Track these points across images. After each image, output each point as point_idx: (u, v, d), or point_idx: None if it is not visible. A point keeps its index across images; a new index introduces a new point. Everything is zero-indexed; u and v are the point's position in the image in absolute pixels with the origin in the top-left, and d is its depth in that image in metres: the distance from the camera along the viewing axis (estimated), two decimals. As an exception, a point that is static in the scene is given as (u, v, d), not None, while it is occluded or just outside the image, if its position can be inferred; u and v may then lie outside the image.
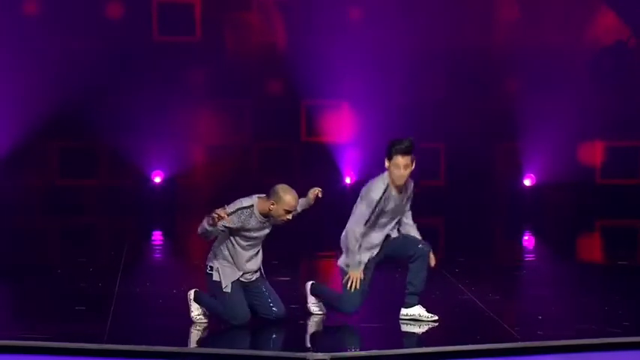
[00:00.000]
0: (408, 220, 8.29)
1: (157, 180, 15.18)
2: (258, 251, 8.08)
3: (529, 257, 12.76)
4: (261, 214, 7.92)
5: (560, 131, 15.14)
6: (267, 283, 8.18)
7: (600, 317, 8.54)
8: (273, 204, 7.87)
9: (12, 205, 14.79)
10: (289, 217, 7.91)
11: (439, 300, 9.12)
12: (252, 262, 8.05)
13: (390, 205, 8.05)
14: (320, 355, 7.16)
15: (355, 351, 7.62)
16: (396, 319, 8.23)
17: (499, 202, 15.42)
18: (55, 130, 14.97)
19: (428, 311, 8.19)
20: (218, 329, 8.07)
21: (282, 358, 7.25)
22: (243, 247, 7.98)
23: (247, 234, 7.93)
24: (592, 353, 7.47)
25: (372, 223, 8.05)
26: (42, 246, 12.89)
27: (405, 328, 8.12)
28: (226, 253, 8.01)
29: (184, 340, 7.84)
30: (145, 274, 10.54)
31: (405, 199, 8.16)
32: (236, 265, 8.01)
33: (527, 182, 15.58)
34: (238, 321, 7.96)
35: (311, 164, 15.07)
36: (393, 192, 8.03)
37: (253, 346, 7.70)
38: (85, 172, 15.23)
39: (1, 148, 14.79)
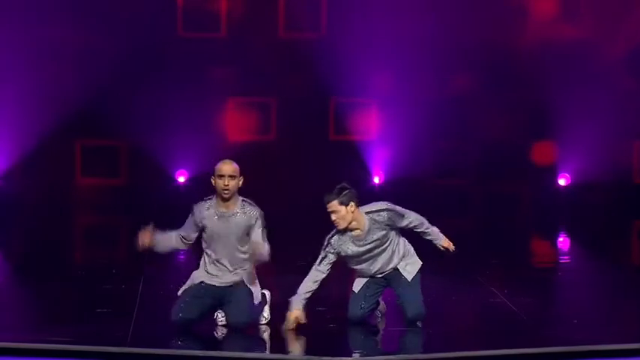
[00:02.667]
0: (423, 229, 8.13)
1: (182, 179, 15.08)
2: (225, 261, 7.92)
3: (564, 259, 12.60)
4: (217, 200, 7.88)
5: (595, 130, 15.00)
6: (245, 292, 7.96)
7: (637, 321, 8.35)
8: (213, 179, 7.90)
9: (33, 205, 14.78)
10: (225, 182, 7.80)
11: (470, 303, 9.01)
12: (216, 266, 7.93)
13: (349, 252, 7.97)
14: (347, 359, 7.11)
15: (384, 355, 7.45)
16: (423, 323, 8.06)
17: (533, 202, 15.27)
18: (78, 129, 14.95)
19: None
20: (242, 333, 7.93)
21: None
22: (208, 247, 7.92)
23: (209, 231, 7.87)
24: (629, 359, 7.27)
25: (356, 269, 8.05)
26: (64, 246, 12.85)
27: (433, 331, 7.95)
28: (203, 257, 8.02)
29: (208, 343, 7.77)
30: (168, 276, 10.44)
31: (372, 246, 8.00)
32: (205, 268, 7.97)
33: (561, 182, 15.45)
34: (175, 316, 7.82)
35: (339, 163, 14.94)
36: (345, 238, 7.93)
37: (277, 350, 7.55)
38: (108, 171, 15.19)
39: (23, 146, 14.81)
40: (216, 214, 7.89)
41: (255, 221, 7.90)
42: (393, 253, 8.05)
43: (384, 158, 15.13)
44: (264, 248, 7.84)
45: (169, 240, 8.06)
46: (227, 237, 7.88)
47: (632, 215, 14.86)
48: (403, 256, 8.09)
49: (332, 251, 7.94)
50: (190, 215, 7.96)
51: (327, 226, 8.24)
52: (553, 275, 11.12)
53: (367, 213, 7.93)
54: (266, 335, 7.92)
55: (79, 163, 15.34)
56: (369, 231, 7.95)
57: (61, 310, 8.77)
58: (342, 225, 7.89)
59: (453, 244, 8.11)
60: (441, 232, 8.14)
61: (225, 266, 7.92)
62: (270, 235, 8.04)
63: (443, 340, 7.86)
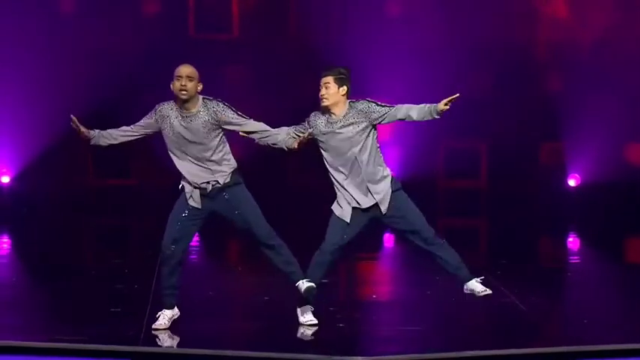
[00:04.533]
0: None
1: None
2: (198, 164, 7.89)
3: (574, 259, 12.58)
4: (176, 104, 7.81)
5: (606, 130, 14.97)
6: (239, 191, 7.96)
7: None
8: (172, 83, 7.81)
9: (47, 206, 14.81)
10: (182, 83, 7.73)
11: (480, 302, 8.97)
12: (193, 174, 7.88)
13: (320, 127, 7.93)
14: (359, 358, 7.10)
15: (394, 355, 7.47)
16: (435, 322, 8.08)
17: (543, 202, 15.25)
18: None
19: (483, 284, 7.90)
20: (256, 332, 7.95)
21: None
22: (174, 154, 7.86)
23: (174, 131, 7.84)
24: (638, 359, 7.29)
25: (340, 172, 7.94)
26: (77, 246, 12.88)
27: (445, 331, 7.97)
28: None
29: (220, 342, 7.74)
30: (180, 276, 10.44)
31: (346, 131, 7.87)
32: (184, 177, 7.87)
33: (571, 182, 15.42)
34: (162, 246, 7.82)
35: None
36: (321, 117, 7.91)
37: (292, 350, 7.57)
38: (120, 171, 15.20)
39: (36, 147, 14.83)
40: (180, 115, 7.82)
41: (224, 113, 7.87)
42: (371, 159, 7.90)
43: (395, 159, 15.13)
44: (255, 123, 7.98)
45: (109, 137, 8.16)
46: (193, 135, 7.82)
47: (642, 216, 14.88)
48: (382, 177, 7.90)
49: (306, 124, 7.95)
50: (151, 113, 7.91)
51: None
52: (563, 275, 11.10)
53: (350, 101, 7.87)
54: (274, 334, 7.93)
55: (91, 163, 15.36)
56: (344, 116, 7.85)
57: (74, 309, 8.77)
58: (326, 102, 7.81)
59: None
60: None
61: (195, 174, 7.87)
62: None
63: (452, 340, 7.85)
